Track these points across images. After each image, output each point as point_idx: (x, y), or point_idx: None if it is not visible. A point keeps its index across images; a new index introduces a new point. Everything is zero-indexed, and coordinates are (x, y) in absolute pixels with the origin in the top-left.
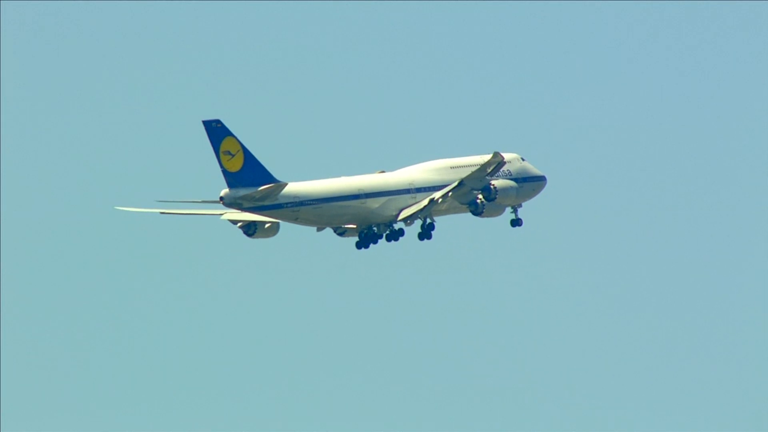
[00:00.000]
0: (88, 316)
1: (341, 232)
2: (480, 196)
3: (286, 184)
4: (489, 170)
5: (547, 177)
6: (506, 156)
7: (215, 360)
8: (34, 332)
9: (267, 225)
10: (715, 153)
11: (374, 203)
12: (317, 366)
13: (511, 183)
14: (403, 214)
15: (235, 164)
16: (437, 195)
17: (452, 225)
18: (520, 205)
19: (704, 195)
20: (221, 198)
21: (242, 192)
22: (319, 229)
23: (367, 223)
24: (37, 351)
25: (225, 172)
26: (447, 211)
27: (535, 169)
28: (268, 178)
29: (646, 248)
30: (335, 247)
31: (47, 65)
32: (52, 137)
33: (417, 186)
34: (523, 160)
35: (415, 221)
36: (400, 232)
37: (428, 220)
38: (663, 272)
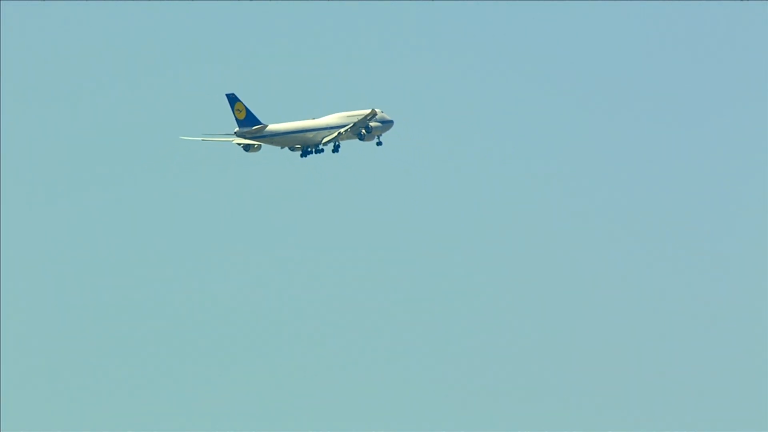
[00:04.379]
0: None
1: (293, 149)
2: (363, 131)
3: (267, 125)
4: (368, 119)
5: (394, 120)
6: (376, 107)
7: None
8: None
9: (255, 145)
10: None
11: (310, 135)
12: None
13: (379, 124)
14: (324, 140)
15: (242, 115)
16: (342, 130)
17: (348, 145)
18: (380, 135)
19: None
20: (235, 132)
21: (245, 129)
22: (281, 148)
23: (306, 144)
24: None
25: (237, 120)
26: (346, 138)
27: (387, 116)
28: (258, 122)
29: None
30: (290, 156)
31: (51, 53)
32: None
33: (332, 125)
34: (382, 111)
35: (330, 144)
36: (321, 149)
37: (337, 143)
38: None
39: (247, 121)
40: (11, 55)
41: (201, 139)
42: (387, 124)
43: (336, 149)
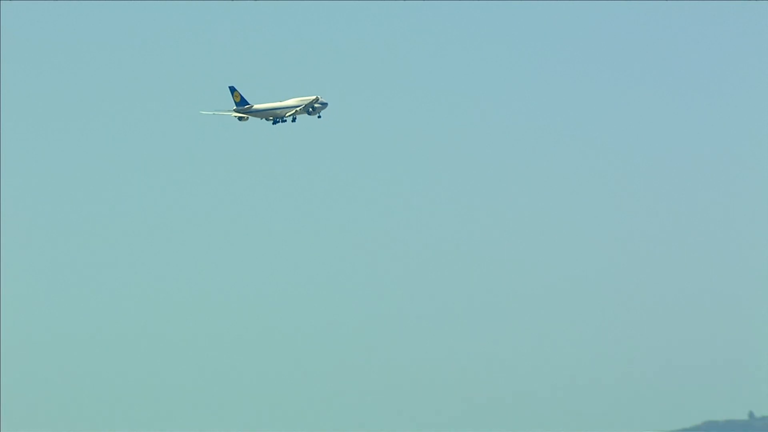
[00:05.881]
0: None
1: (267, 120)
2: (310, 109)
3: (253, 105)
4: (313, 102)
5: (329, 103)
6: (318, 95)
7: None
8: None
9: (245, 117)
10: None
11: (279, 111)
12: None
13: (320, 105)
14: (287, 114)
15: (237, 99)
16: (298, 109)
17: (301, 118)
18: (320, 112)
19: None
20: (233, 109)
21: (239, 108)
22: (261, 119)
23: (276, 117)
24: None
25: (234, 102)
26: (299, 113)
27: (324, 100)
28: (247, 103)
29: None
30: (265, 124)
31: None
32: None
33: (291, 105)
34: (321, 97)
35: (290, 117)
36: (285, 120)
37: (294, 116)
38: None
39: (241, 103)
40: (11, 54)
41: (212, 113)
42: (324, 105)
43: (294, 120)
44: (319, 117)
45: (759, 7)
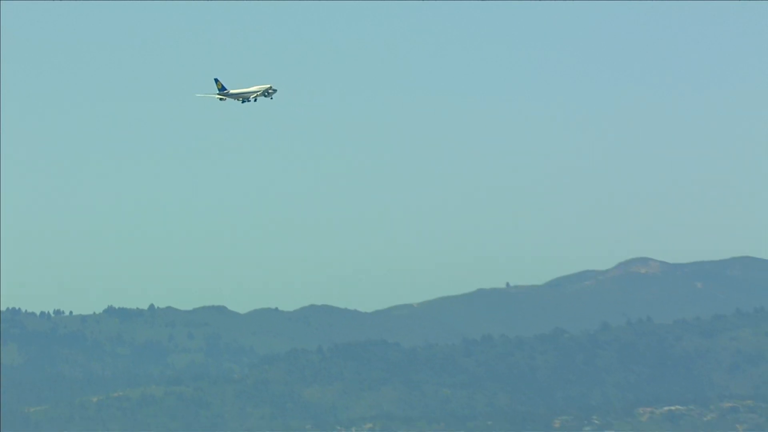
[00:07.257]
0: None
1: (238, 100)
2: (266, 93)
3: (230, 90)
4: (268, 88)
5: (278, 89)
6: (271, 84)
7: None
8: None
9: (224, 98)
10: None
11: (246, 94)
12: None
13: (273, 90)
14: (251, 97)
15: (219, 86)
16: (257, 94)
17: (261, 100)
18: (272, 95)
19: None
20: (216, 93)
21: (220, 92)
22: (235, 100)
23: (245, 98)
24: None
25: (217, 88)
26: (259, 96)
27: (275, 87)
28: (225, 89)
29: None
30: (237, 103)
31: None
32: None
33: (253, 91)
34: (272, 85)
35: (254, 98)
36: (250, 100)
37: (256, 98)
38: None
39: (222, 89)
40: (11, 54)
41: (203, 95)
42: (275, 90)
43: (255, 100)
44: (272, 98)
45: (759, 7)
